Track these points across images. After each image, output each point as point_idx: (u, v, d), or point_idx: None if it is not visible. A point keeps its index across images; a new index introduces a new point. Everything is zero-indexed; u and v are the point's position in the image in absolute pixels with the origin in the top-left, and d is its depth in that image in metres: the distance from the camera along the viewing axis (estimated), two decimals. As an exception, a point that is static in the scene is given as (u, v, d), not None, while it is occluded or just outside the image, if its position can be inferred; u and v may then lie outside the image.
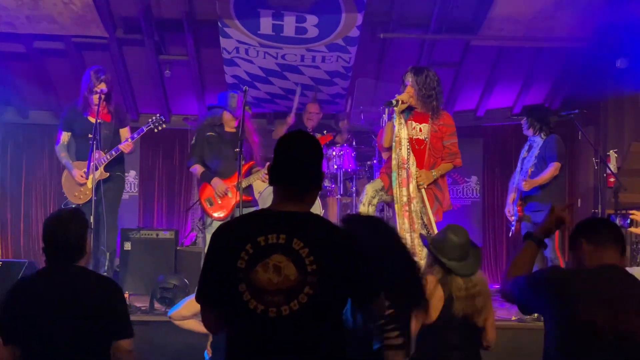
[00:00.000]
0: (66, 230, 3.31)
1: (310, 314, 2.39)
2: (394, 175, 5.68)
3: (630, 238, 7.52)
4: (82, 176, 6.17)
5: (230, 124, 6.49)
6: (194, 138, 6.56)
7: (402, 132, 5.68)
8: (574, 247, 2.89)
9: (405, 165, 5.67)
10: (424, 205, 5.68)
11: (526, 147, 6.72)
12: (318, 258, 2.41)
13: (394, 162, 5.68)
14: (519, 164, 6.69)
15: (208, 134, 6.46)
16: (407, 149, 5.67)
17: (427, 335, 3.67)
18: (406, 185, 5.64)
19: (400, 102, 5.67)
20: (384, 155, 5.98)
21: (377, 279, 2.60)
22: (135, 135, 6.29)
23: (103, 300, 3.23)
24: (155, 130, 6.41)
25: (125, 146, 6.17)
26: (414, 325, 3.61)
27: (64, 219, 3.36)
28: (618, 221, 4.80)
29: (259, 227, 2.48)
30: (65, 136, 6.42)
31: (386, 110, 5.82)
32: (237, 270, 2.42)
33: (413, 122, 5.80)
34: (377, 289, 2.60)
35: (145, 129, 6.31)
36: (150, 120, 6.39)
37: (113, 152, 6.15)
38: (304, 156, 2.59)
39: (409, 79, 5.76)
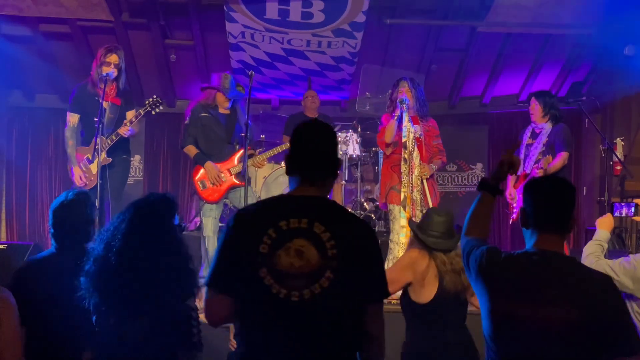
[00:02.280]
0: (75, 213, 3.33)
1: (332, 299, 2.39)
2: (404, 167, 6.05)
3: (636, 226, 7.52)
4: (80, 178, 6.09)
5: (224, 105, 6.42)
6: (187, 118, 6.45)
7: (411, 129, 6.08)
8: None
9: (411, 157, 6.06)
10: (424, 195, 6.07)
11: (528, 134, 6.66)
12: (339, 242, 2.41)
13: (404, 155, 6.04)
14: (522, 150, 6.65)
15: (202, 114, 6.36)
16: (413, 143, 6.07)
17: (425, 316, 3.71)
18: (410, 176, 6.04)
19: (408, 102, 6.15)
20: (387, 151, 6.27)
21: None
22: (133, 120, 6.15)
23: None
24: (153, 112, 6.26)
25: (124, 130, 6.05)
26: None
27: (73, 201, 3.39)
28: (624, 211, 4.76)
29: (281, 212, 2.47)
30: (74, 118, 6.20)
31: (401, 107, 6.09)
32: (259, 255, 2.40)
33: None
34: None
35: (142, 112, 6.18)
36: (147, 102, 6.22)
37: (114, 137, 6.04)
38: (321, 145, 2.60)
39: (405, 85, 6.22)
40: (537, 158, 6.40)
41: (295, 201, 2.53)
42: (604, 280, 2.61)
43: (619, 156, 7.65)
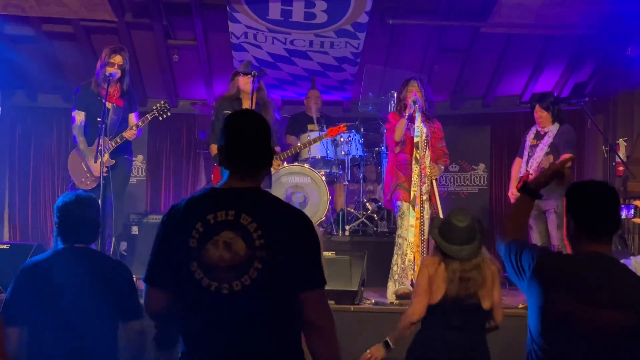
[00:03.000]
0: (86, 212, 3.40)
1: (262, 289, 2.39)
2: (415, 167, 6.01)
3: (638, 228, 7.50)
4: (96, 170, 6.05)
5: (246, 88, 6.13)
6: (212, 114, 6.32)
7: (424, 129, 6.07)
8: (567, 220, 2.78)
9: (423, 157, 6.04)
10: (433, 195, 6.07)
11: (531, 135, 6.63)
12: (265, 232, 2.41)
13: (415, 155, 6.01)
14: (526, 151, 6.63)
15: (225, 111, 6.15)
16: (425, 143, 6.05)
17: (431, 316, 3.78)
18: (420, 176, 6.02)
19: (420, 102, 6.13)
20: (395, 150, 6.21)
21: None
22: (140, 124, 6.10)
23: (115, 282, 3.27)
24: (160, 118, 6.24)
25: (131, 134, 6.04)
26: (416, 309, 3.77)
27: (84, 201, 3.44)
28: (624, 213, 4.77)
29: (209, 206, 2.48)
30: (80, 115, 6.17)
31: (414, 107, 6.06)
32: (189, 250, 2.42)
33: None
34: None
35: (150, 117, 6.15)
36: (154, 107, 6.18)
37: (118, 140, 6.04)
38: (250, 136, 2.56)
39: (415, 85, 6.19)
40: (541, 160, 6.39)
41: (224, 194, 2.52)
42: None
43: (621, 157, 7.64)
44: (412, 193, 5.98)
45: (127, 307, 3.32)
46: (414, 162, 6.02)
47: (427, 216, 5.98)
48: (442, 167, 6.33)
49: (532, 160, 6.50)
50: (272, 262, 2.40)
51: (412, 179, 6.00)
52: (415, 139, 6.03)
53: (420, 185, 6.00)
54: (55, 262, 3.33)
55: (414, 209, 5.95)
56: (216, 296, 2.39)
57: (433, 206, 6.07)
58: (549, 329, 2.64)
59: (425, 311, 3.79)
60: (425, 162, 6.03)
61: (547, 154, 6.38)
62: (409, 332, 3.87)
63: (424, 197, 6.00)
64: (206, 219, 2.44)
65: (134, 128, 6.03)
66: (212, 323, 2.42)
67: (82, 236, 3.38)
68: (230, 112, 6.02)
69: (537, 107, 6.56)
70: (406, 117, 6.06)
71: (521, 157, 6.70)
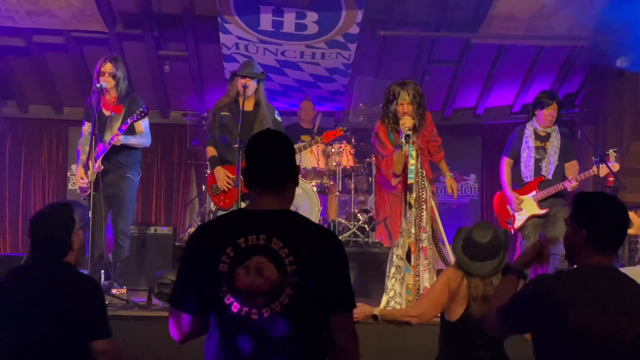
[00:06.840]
0: (48, 224, 3.22)
1: (292, 315, 2.36)
2: (409, 212, 5.35)
3: (627, 238, 7.51)
4: (82, 178, 6.07)
5: (242, 92, 5.93)
6: (210, 116, 6.19)
7: (420, 168, 5.41)
8: (572, 229, 2.73)
9: (420, 200, 5.37)
10: (433, 213, 5.47)
11: (532, 135, 6.34)
12: (298, 258, 2.37)
13: (409, 200, 5.32)
14: (529, 152, 6.35)
15: (222, 113, 6.06)
16: (422, 177, 5.41)
17: (453, 333, 3.68)
18: (416, 222, 5.37)
19: (412, 132, 5.32)
20: (393, 182, 5.41)
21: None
22: (123, 128, 6.03)
23: (78, 298, 3.12)
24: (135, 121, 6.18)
25: (115, 140, 6.01)
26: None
27: (48, 213, 3.28)
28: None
29: (239, 229, 2.43)
30: (87, 127, 6.19)
31: (408, 142, 5.26)
32: (219, 274, 2.38)
33: None
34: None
35: (129, 122, 6.11)
36: (135, 114, 6.15)
37: (107, 146, 6.02)
38: (277, 153, 2.53)
39: (406, 97, 5.39)
40: (557, 164, 6.26)
41: (254, 216, 2.48)
42: None
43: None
44: (406, 245, 5.30)
45: (90, 325, 3.13)
46: (407, 208, 5.32)
47: (424, 262, 5.31)
48: (449, 175, 5.69)
49: (546, 164, 6.26)
50: (304, 288, 2.37)
51: (406, 228, 5.32)
52: (409, 181, 5.28)
53: (419, 233, 5.29)
54: (20, 277, 3.20)
55: (409, 264, 5.26)
56: (245, 322, 2.36)
57: (437, 242, 5.40)
58: (567, 349, 2.59)
59: (430, 319, 3.72)
60: (427, 201, 5.34)
61: (559, 157, 6.24)
62: (401, 325, 3.83)
63: (420, 245, 5.31)
64: (237, 243, 2.39)
65: (118, 134, 5.99)
66: (240, 348, 2.38)
67: (47, 249, 3.22)
68: (227, 113, 6.09)
69: (555, 105, 6.28)
70: (403, 150, 5.30)
71: (511, 157, 6.44)
